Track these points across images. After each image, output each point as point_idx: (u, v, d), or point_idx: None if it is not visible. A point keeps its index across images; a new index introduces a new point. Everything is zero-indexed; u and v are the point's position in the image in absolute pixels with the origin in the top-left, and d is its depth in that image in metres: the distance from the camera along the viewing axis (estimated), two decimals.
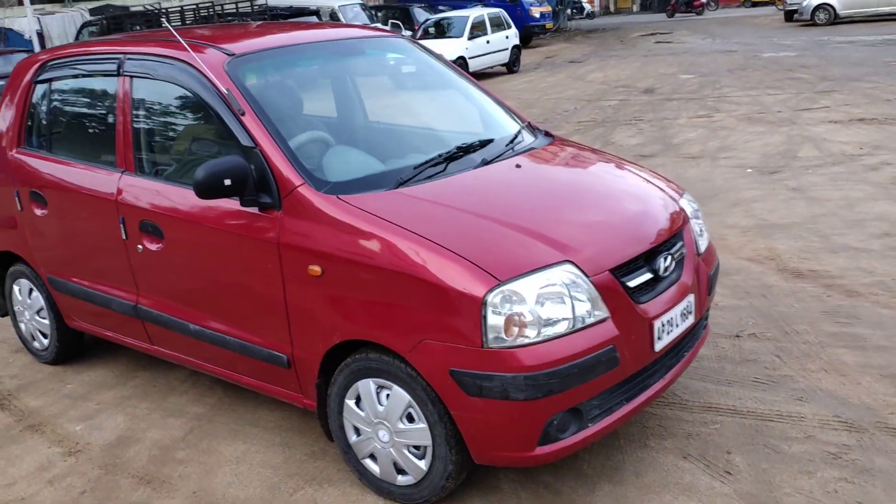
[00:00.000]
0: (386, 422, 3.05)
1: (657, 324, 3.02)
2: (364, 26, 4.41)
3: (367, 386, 3.05)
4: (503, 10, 19.99)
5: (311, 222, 3.06)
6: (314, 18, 19.68)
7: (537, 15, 25.93)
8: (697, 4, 35.56)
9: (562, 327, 2.76)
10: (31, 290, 4.61)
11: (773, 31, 24.98)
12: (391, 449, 3.08)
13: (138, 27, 17.62)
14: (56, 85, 4.26)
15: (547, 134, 4.06)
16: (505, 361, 2.69)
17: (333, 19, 21.50)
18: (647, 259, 3.08)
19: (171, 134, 3.74)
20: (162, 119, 3.73)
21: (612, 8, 48.01)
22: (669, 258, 3.14)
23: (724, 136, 9.80)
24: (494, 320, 2.68)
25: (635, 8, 47.41)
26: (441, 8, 24.20)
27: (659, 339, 3.04)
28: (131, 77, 3.75)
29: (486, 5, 23.40)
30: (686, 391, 3.87)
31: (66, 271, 4.28)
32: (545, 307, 2.74)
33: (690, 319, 3.26)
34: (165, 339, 3.86)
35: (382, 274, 2.87)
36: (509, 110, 4.18)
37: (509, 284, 2.71)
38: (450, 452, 2.91)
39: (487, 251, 2.82)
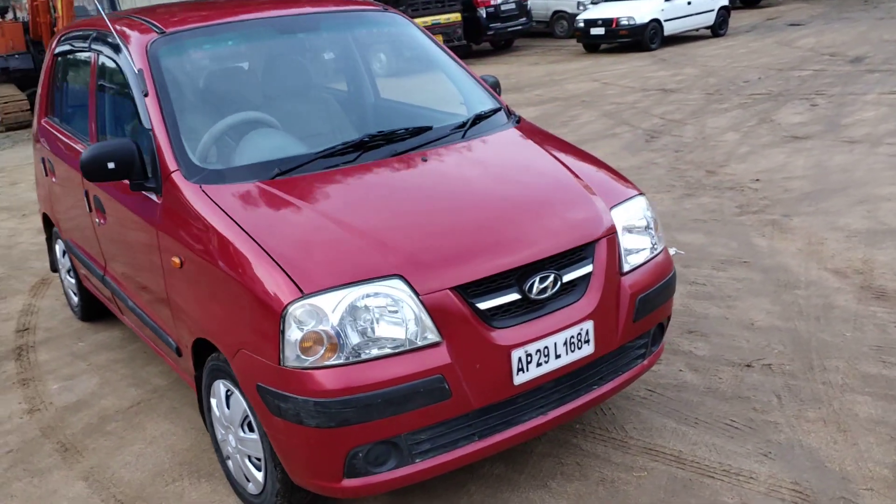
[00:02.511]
0: (232, 427, 2.90)
1: (518, 353, 2.59)
2: (349, 1, 4.10)
3: (219, 387, 2.92)
4: None
5: (178, 211, 2.95)
6: None
7: None
8: None
9: (376, 350, 2.45)
10: (64, 251, 4.93)
11: None
12: (238, 455, 2.93)
13: None
14: (65, 59, 4.46)
15: (519, 120, 3.63)
16: (301, 383, 2.43)
17: None
18: (520, 278, 2.65)
19: (116, 110, 3.76)
20: (112, 95, 3.76)
21: None
22: (552, 278, 2.67)
23: None
24: (293, 336, 2.42)
25: None
26: None
27: (521, 370, 2.61)
28: (97, 54, 3.82)
29: None
30: (638, 426, 3.34)
31: (72, 236, 4.51)
32: (357, 326, 2.44)
33: (587, 350, 2.76)
34: (124, 310, 3.96)
35: (216, 272, 2.70)
36: (490, 93, 3.77)
37: (314, 298, 2.43)
38: (275, 470, 2.71)
39: (309, 258, 2.55)
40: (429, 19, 16.71)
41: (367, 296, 2.46)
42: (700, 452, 3.14)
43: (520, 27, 19.10)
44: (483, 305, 2.57)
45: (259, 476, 2.84)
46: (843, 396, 3.43)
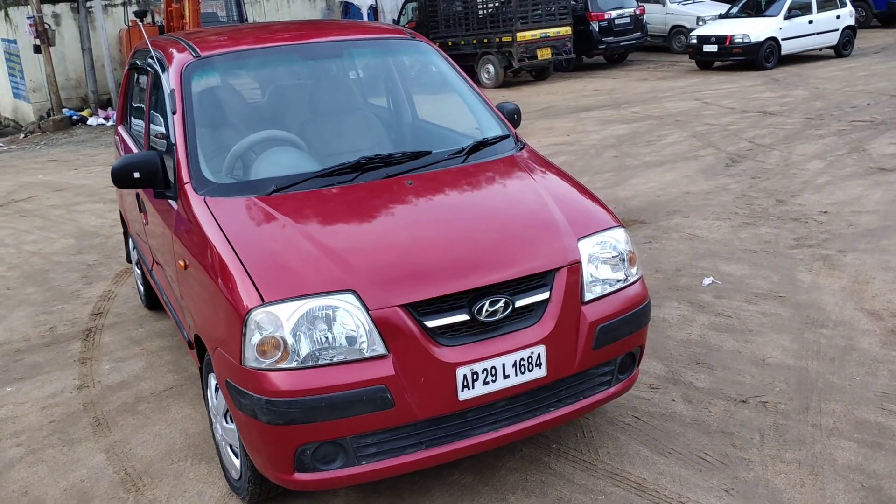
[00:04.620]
0: (218, 416, 3.20)
1: (464, 371, 2.77)
2: (378, 29, 4.38)
3: (211, 380, 3.23)
4: None
5: (186, 218, 3.28)
6: None
7: None
8: None
9: (325, 358, 2.69)
10: (134, 246, 5.43)
11: None
12: (222, 443, 3.23)
13: (456, 4, 18.54)
14: (134, 73, 4.94)
15: (522, 148, 3.78)
16: (257, 382, 2.70)
17: None
18: (471, 300, 2.82)
19: (162, 123, 4.16)
20: (159, 109, 4.15)
21: None
22: (502, 302, 2.83)
23: None
24: (254, 339, 2.69)
25: None
26: None
27: (467, 387, 2.78)
28: (151, 71, 4.23)
29: None
30: (611, 451, 3.42)
31: (135, 233, 4.99)
32: (310, 334, 2.69)
33: (539, 373, 2.90)
34: (165, 303, 4.36)
35: (205, 276, 3.02)
36: (501, 121, 3.93)
37: (272, 306, 2.69)
38: (246, 459, 2.99)
39: (275, 269, 2.82)
40: (538, 32, 16.83)
41: (321, 308, 2.70)
42: (663, 482, 3.21)
43: (633, 41, 18.92)
44: (431, 324, 2.76)
45: (237, 463, 3.13)
46: (828, 440, 3.40)
